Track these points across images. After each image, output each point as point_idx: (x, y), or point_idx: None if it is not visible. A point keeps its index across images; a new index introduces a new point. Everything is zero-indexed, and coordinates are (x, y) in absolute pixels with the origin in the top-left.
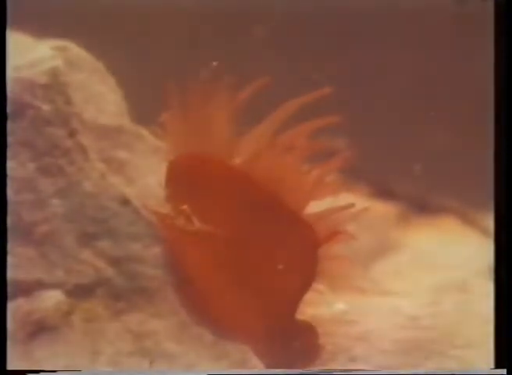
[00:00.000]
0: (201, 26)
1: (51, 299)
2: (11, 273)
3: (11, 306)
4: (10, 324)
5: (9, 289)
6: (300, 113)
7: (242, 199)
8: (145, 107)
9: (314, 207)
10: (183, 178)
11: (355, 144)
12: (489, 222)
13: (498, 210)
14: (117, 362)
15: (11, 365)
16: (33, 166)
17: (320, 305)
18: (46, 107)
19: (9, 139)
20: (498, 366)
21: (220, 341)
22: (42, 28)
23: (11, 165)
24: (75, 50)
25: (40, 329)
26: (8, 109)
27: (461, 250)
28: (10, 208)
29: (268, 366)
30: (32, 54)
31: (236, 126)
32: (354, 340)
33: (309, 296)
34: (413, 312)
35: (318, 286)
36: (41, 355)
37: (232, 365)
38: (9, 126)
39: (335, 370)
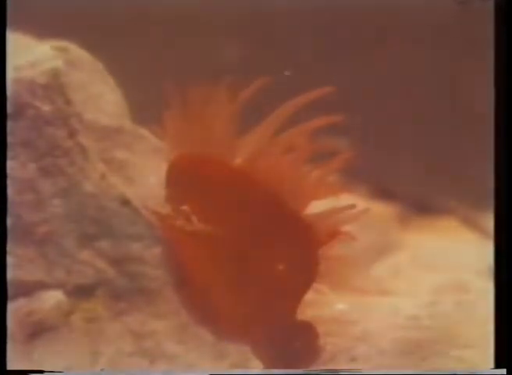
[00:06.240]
0: (202, 26)
1: (52, 299)
2: (11, 274)
3: (11, 306)
4: (10, 324)
5: (10, 289)
6: (300, 113)
7: (242, 199)
8: (145, 107)
9: (314, 207)
10: (183, 178)
11: (356, 145)
12: (489, 222)
13: (498, 210)
14: (117, 362)
15: (11, 365)
16: (34, 166)
17: (320, 306)
18: (46, 107)
19: (9, 139)
20: (498, 366)
21: (220, 342)
22: (42, 28)
23: (11, 165)
24: (75, 50)
25: (40, 329)
26: (9, 109)
27: (461, 250)
28: (11, 208)
29: (268, 367)
30: (32, 54)
31: (236, 126)
32: (354, 340)
33: (309, 296)
34: (413, 312)
35: (319, 286)
36: (42, 356)
37: (233, 365)
38: (9, 126)
39: (335, 370)
